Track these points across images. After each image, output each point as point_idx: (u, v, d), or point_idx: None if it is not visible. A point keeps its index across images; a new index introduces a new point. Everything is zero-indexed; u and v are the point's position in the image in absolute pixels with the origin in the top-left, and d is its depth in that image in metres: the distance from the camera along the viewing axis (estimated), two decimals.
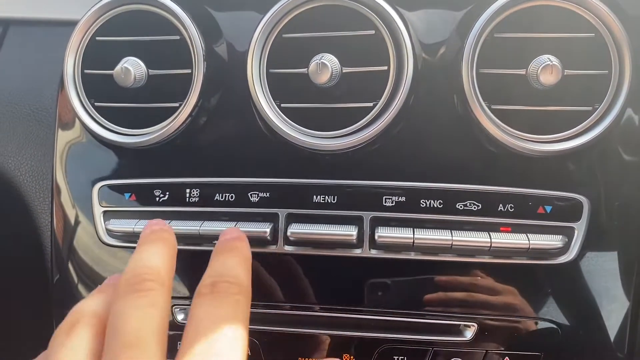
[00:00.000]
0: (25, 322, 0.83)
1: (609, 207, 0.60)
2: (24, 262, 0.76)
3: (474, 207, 0.60)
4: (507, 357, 0.59)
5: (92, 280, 0.68)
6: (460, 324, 0.60)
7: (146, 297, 0.40)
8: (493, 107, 0.59)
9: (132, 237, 0.64)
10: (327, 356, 0.60)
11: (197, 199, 0.64)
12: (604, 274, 0.60)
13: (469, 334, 0.59)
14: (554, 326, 0.59)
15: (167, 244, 0.47)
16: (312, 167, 0.63)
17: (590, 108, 0.58)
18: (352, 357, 0.60)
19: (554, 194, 0.60)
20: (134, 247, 0.64)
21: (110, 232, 0.66)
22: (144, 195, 0.66)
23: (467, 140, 0.62)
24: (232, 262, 0.46)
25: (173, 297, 0.62)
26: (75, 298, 0.68)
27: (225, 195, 0.64)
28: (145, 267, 0.43)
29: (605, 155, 0.61)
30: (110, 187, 0.67)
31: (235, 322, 0.39)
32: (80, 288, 0.69)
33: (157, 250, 0.46)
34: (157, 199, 0.65)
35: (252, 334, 0.61)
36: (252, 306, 0.61)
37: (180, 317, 0.63)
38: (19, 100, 0.77)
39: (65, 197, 0.69)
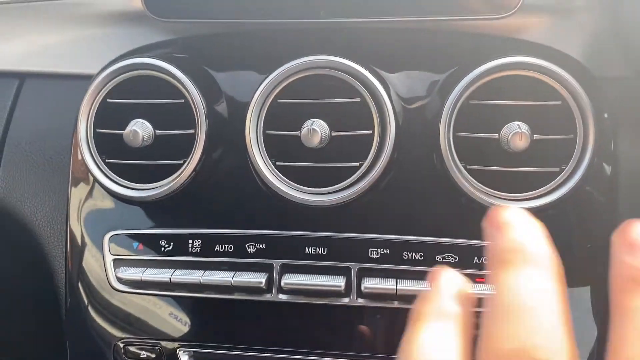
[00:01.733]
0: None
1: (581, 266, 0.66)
2: (39, 304, 0.82)
3: (452, 260, 0.66)
4: None
5: (103, 319, 0.73)
6: None
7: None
8: (469, 167, 0.65)
9: (140, 285, 0.70)
10: None
11: (199, 249, 0.70)
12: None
13: None
14: None
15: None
16: (304, 220, 0.69)
17: (557, 169, 0.64)
18: None
19: None
20: (142, 293, 0.71)
21: (119, 280, 0.71)
22: (150, 244, 0.72)
23: (446, 195, 0.68)
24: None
25: (180, 341, 0.69)
26: (86, 334, 0.73)
27: (225, 246, 0.70)
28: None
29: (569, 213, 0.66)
30: (120, 236, 0.73)
31: None
32: (92, 326, 0.74)
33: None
34: (163, 248, 0.71)
35: None
36: (251, 350, 0.68)
37: (184, 359, 0.69)
38: (35, 149, 0.83)
39: (78, 245, 0.75)
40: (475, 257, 0.66)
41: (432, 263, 0.66)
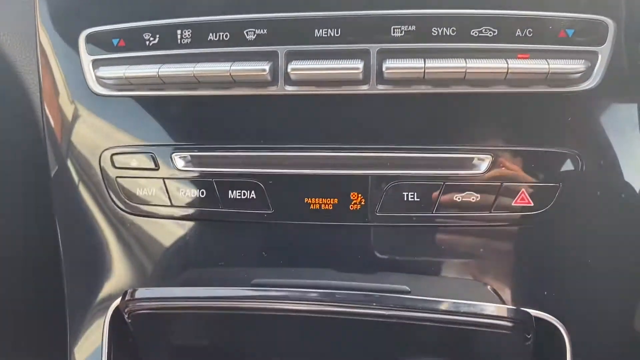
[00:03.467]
0: None
1: (637, 30, 0.55)
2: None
3: (490, 34, 0.55)
4: (523, 190, 0.56)
5: (86, 129, 0.64)
6: (473, 157, 0.56)
7: None
8: None
9: (124, 84, 0.60)
10: (335, 195, 0.58)
11: (189, 40, 0.59)
12: (627, 103, 0.56)
13: (483, 166, 0.56)
14: (574, 156, 0.56)
15: None
16: None
17: None
18: (360, 196, 0.58)
19: (577, 16, 0.55)
20: (128, 96, 0.61)
21: (100, 81, 0.62)
22: (133, 39, 0.61)
23: None
24: None
25: (173, 145, 0.60)
26: (69, 148, 0.64)
27: (220, 34, 0.59)
28: None
29: None
30: (97, 33, 0.62)
31: None
32: (73, 139, 0.65)
33: None
34: (147, 42, 0.60)
35: (257, 177, 0.59)
36: (257, 149, 0.59)
37: (180, 164, 0.60)
38: None
39: (51, 51, 0.65)
40: (518, 30, 0.55)
41: (467, 38, 0.56)
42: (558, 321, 0.57)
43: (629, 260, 0.58)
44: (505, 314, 0.52)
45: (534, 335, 0.54)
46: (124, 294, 0.55)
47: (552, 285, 0.58)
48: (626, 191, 0.57)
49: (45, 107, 0.66)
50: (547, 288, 0.58)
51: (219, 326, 0.59)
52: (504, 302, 0.58)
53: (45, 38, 0.65)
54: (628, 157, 0.56)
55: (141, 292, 0.55)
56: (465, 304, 0.53)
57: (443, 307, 0.53)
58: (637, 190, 0.57)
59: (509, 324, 0.52)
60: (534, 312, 0.57)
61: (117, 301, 0.60)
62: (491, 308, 0.53)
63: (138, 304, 0.55)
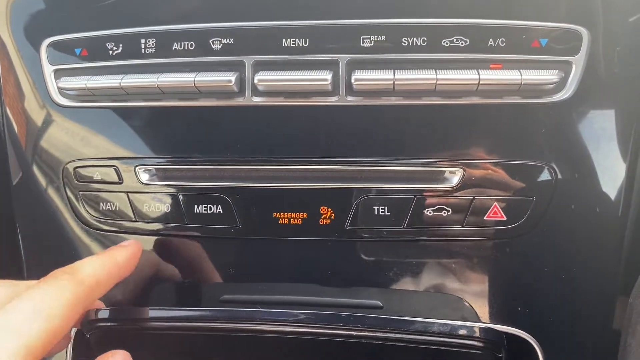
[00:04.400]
0: None
1: (611, 40, 0.54)
2: None
3: (461, 43, 0.54)
4: (495, 204, 0.55)
5: (48, 142, 0.62)
6: (445, 170, 0.55)
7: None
8: None
9: (85, 94, 0.58)
10: (304, 209, 0.56)
11: (153, 50, 0.58)
12: (602, 114, 0.55)
13: (455, 179, 0.55)
14: (547, 169, 0.54)
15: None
16: (279, 7, 0.56)
17: None
18: (330, 210, 0.56)
19: (550, 25, 0.54)
20: (91, 107, 0.59)
21: (62, 92, 0.60)
22: (95, 49, 0.59)
23: None
24: (89, 258, 0.47)
25: (138, 158, 0.59)
26: (32, 161, 0.62)
27: (185, 44, 0.57)
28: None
29: None
30: (59, 42, 0.60)
31: (42, 300, 0.39)
32: (35, 153, 0.63)
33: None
34: (111, 52, 0.58)
35: (223, 190, 0.57)
36: (223, 162, 0.58)
37: (144, 177, 0.58)
38: None
39: (13, 58, 0.63)
40: (491, 39, 0.54)
41: (438, 49, 0.54)
42: (532, 337, 0.56)
43: (605, 274, 0.57)
44: (475, 334, 0.51)
45: (506, 353, 0.53)
46: (86, 314, 0.53)
47: (525, 300, 0.57)
48: (601, 204, 0.56)
49: (8, 111, 0.63)
50: (520, 304, 0.57)
51: (183, 345, 0.57)
52: (477, 317, 0.57)
53: (10, 43, 0.63)
54: (603, 168, 0.55)
55: (103, 313, 0.53)
56: (435, 322, 0.52)
57: (413, 326, 0.52)
58: (613, 202, 0.56)
59: (480, 344, 0.51)
60: (506, 329, 0.55)
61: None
62: (461, 327, 0.51)
63: (98, 324, 0.53)
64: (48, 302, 0.39)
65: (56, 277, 0.42)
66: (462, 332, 0.51)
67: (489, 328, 0.53)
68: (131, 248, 0.52)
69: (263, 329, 0.52)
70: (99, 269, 0.46)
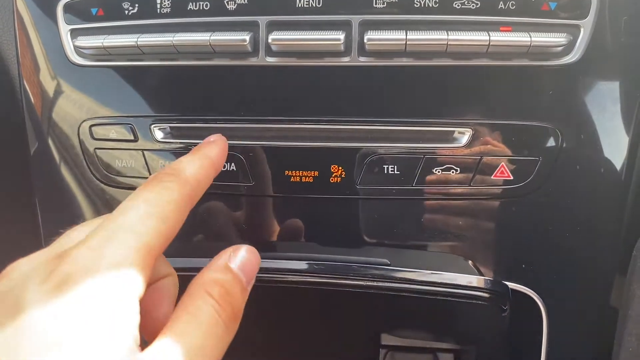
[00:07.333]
0: None
1: (620, 4, 0.55)
2: None
3: (472, 6, 0.55)
4: (503, 163, 0.56)
5: (64, 100, 0.63)
6: (454, 130, 0.56)
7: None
8: None
9: (102, 53, 0.59)
10: (316, 168, 0.58)
11: (169, 9, 0.58)
12: (608, 78, 0.56)
13: (463, 139, 0.56)
14: (554, 131, 0.56)
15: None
16: None
17: None
18: (340, 168, 0.58)
19: None
20: (107, 66, 0.60)
21: (78, 51, 0.61)
22: (111, 9, 0.60)
23: None
24: (185, 159, 0.45)
25: (153, 117, 0.60)
26: (48, 122, 0.63)
27: (200, 4, 0.58)
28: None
29: None
30: (75, 3, 0.61)
31: (154, 201, 0.38)
32: (53, 111, 0.64)
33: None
34: (127, 11, 0.59)
35: (237, 149, 0.58)
36: (237, 121, 0.59)
37: (159, 135, 0.60)
38: None
39: (29, 21, 0.63)
40: (501, 2, 0.55)
41: (450, 10, 0.55)
42: (535, 293, 0.58)
43: (607, 234, 0.59)
44: (481, 285, 0.53)
45: (511, 306, 0.54)
46: None
47: (530, 258, 0.58)
48: (606, 166, 0.57)
49: (24, 82, 0.65)
50: (525, 261, 0.58)
51: None
52: (482, 275, 0.59)
53: (23, 7, 0.64)
54: (608, 132, 0.56)
55: None
56: (442, 274, 0.53)
57: (420, 277, 0.53)
58: (617, 165, 0.57)
59: (486, 295, 0.53)
60: (511, 285, 0.57)
61: None
62: (468, 279, 0.53)
63: None
64: (160, 204, 0.38)
65: (161, 179, 0.40)
66: (469, 283, 0.53)
67: (495, 280, 0.55)
68: (220, 142, 0.50)
69: (274, 279, 0.54)
70: (198, 168, 0.44)
